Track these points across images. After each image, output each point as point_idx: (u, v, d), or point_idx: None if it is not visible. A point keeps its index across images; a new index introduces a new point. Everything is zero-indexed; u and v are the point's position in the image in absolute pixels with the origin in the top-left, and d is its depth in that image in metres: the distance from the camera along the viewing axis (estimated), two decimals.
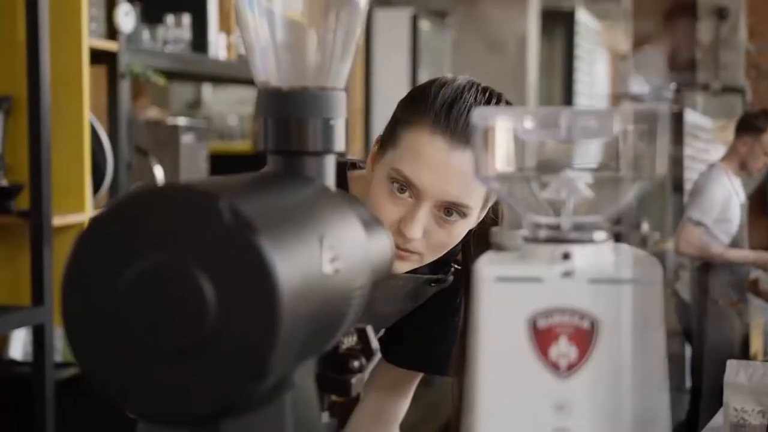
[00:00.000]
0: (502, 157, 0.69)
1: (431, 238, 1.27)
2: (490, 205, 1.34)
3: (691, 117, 6.64)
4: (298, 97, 0.76)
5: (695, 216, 4.40)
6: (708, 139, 6.89)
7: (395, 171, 1.25)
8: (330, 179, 0.78)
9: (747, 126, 4.48)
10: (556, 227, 0.69)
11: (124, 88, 2.78)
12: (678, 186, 6.31)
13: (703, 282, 4.47)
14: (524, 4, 5.72)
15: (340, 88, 0.78)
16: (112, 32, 2.76)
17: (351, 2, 0.79)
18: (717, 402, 4.72)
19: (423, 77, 4.89)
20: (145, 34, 3.03)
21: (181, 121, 3.30)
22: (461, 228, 1.29)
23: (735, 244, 4.47)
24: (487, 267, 0.67)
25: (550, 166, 0.71)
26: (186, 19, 3.18)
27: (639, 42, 8.58)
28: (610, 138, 0.66)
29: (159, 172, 3.02)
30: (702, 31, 8.75)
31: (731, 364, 1.98)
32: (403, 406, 1.57)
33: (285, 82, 0.77)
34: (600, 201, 0.69)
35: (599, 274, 0.66)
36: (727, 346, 4.31)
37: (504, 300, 0.67)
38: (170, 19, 3.13)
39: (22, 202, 2.42)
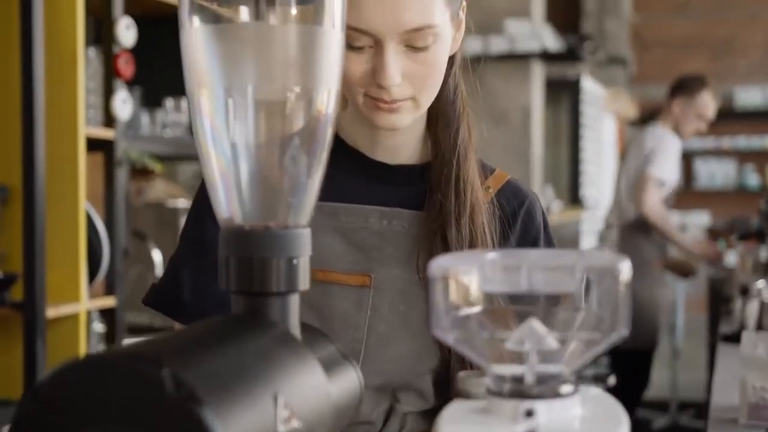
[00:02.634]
0: (461, 307, 0.67)
1: (413, 77, 1.15)
2: (462, 12, 1.23)
3: (586, 83, 6.73)
4: (260, 237, 0.74)
5: (657, 174, 4.29)
6: (601, 106, 7.03)
7: None
8: (293, 320, 0.76)
9: (681, 88, 4.49)
10: (521, 379, 0.67)
11: (121, 175, 2.78)
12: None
13: (633, 239, 4.39)
14: (528, 76, 5.74)
15: (303, 225, 0.76)
16: (109, 119, 2.77)
17: (314, 139, 0.78)
18: (639, 363, 4.60)
19: None
20: (144, 117, 3.04)
21: (182, 203, 3.30)
22: (439, 53, 1.17)
23: (666, 204, 4.45)
24: (447, 425, 0.65)
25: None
26: (185, 102, 3.19)
27: (645, 106, 8.63)
28: (571, 290, 0.64)
29: (157, 257, 3.00)
30: (587, 0, 8.82)
31: (748, 336, 1.80)
32: None
33: (248, 220, 0.75)
34: (565, 351, 0.67)
35: None
36: (648, 309, 4.24)
37: None
38: (169, 102, 3.15)
39: (16, 292, 2.40)
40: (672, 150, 4.39)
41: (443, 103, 1.27)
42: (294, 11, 0.74)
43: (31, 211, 2.37)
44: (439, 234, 1.24)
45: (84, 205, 2.55)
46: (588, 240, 6.80)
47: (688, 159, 9.51)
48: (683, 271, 4.70)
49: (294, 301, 0.76)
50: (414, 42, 1.14)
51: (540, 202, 1.35)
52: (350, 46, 1.13)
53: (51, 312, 2.42)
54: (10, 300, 2.39)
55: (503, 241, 1.28)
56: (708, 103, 4.46)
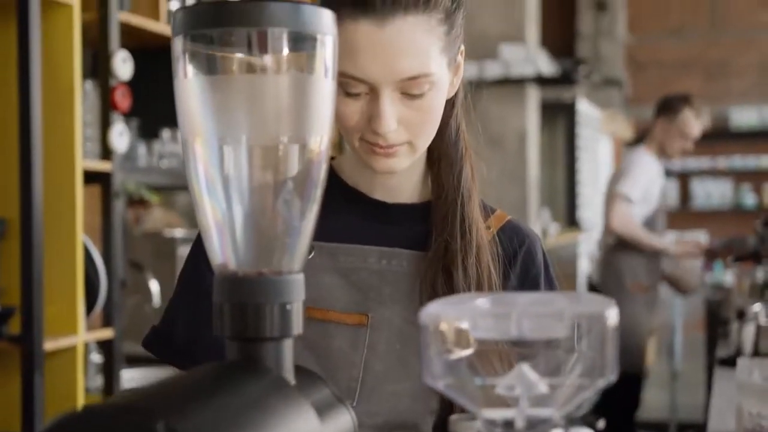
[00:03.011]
0: (451, 353, 0.68)
1: (410, 123, 1.16)
2: (460, 56, 1.23)
3: (582, 106, 6.76)
4: (254, 283, 0.75)
5: (624, 190, 4.34)
6: (597, 128, 7.05)
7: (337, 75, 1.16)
8: (287, 365, 0.77)
9: (663, 108, 4.51)
10: (511, 423, 0.68)
11: (118, 207, 2.79)
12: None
13: (614, 262, 4.39)
14: (523, 100, 5.76)
15: (296, 271, 0.77)
16: (106, 151, 2.78)
17: (307, 183, 0.78)
18: (622, 389, 4.56)
19: None
20: (141, 149, 3.05)
21: (179, 232, 3.31)
22: (435, 99, 1.17)
23: (649, 225, 4.45)
24: None
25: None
26: None
27: (640, 127, 8.66)
28: (560, 336, 0.65)
29: (155, 287, 3.01)
30: (582, 23, 8.88)
31: (743, 362, 1.79)
32: None
33: (241, 266, 0.76)
34: (555, 395, 0.68)
35: None
36: (631, 333, 4.20)
37: None
38: (166, 133, 3.16)
39: (14, 326, 2.40)
40: (644, 169, 4.41)
41: (445, 143, 1.27)
42: (286, 59, 0.75)
43: (28, 244, 2.38)
44: (444, 274, 1.24)
45: (81, 237, 2.56)
46: (585, 262, 6.81)
47: (684, 179, 9.54)
48: (680, 286, 4.70)
49: (288, 346, 0.77)
50: (409, 89, 1.15)
51: (541, 242, 1.35)
52: (346, 93, 1.15)
53: (49, 345, 2.42)
54: (7, 333, 2.39)
55: (504, 281, 1.29)
56: (690, 121, 4.45)
